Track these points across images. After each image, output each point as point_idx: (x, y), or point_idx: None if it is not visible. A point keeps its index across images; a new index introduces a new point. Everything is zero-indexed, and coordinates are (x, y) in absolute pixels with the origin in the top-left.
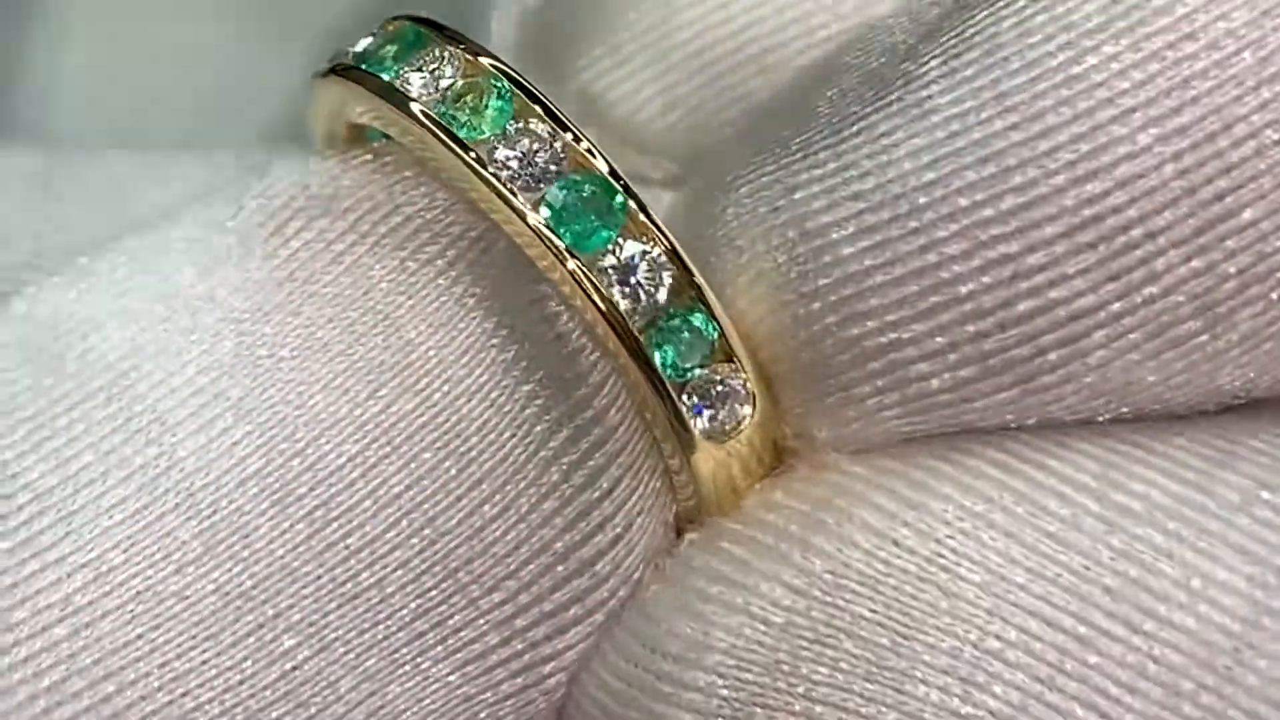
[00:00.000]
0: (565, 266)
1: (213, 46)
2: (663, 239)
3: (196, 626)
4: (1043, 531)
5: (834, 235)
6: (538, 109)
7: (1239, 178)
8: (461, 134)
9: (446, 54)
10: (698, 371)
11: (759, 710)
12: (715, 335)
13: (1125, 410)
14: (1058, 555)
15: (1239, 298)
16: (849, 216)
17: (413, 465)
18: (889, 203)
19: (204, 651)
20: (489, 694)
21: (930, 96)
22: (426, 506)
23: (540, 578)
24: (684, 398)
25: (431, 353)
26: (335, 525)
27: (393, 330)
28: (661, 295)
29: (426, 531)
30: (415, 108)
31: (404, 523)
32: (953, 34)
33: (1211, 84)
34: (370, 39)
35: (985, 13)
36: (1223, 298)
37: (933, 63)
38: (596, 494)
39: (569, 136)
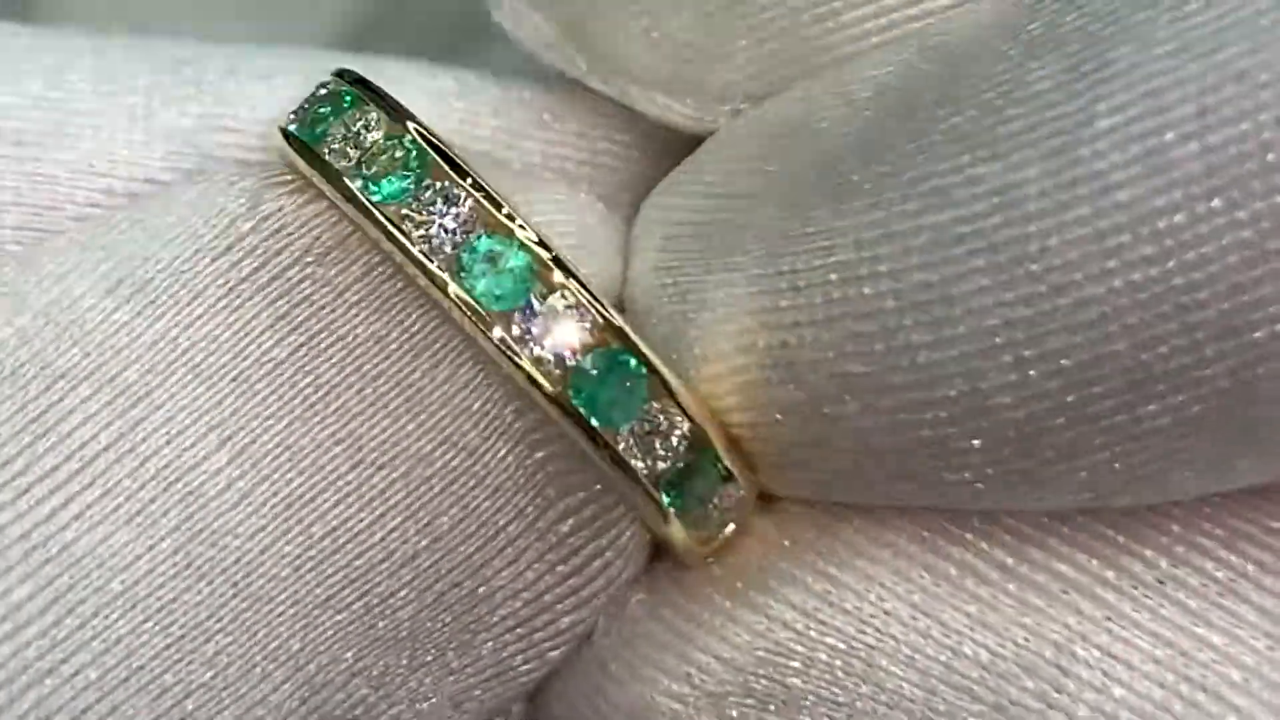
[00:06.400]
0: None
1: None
2: (594, 310)
3: (224, 692)
4: (961, 612)
5: (824, 335)
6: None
7: None
8: (375, 197)
9: (372, 115)
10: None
11: None
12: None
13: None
14: (974, 635)
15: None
16: (839, 305)
17: (429, 527)
18: (880, 298)
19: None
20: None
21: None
22: (442, 564)
23: (537, 613)
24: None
25: (447, 420)
26: (354, 586)
27: (408, 393)
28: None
29: (437, 585)
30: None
31: (417, 580)
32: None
33: None
34: (309, 103)
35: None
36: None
37: (924, 157)
38: (593, 541)
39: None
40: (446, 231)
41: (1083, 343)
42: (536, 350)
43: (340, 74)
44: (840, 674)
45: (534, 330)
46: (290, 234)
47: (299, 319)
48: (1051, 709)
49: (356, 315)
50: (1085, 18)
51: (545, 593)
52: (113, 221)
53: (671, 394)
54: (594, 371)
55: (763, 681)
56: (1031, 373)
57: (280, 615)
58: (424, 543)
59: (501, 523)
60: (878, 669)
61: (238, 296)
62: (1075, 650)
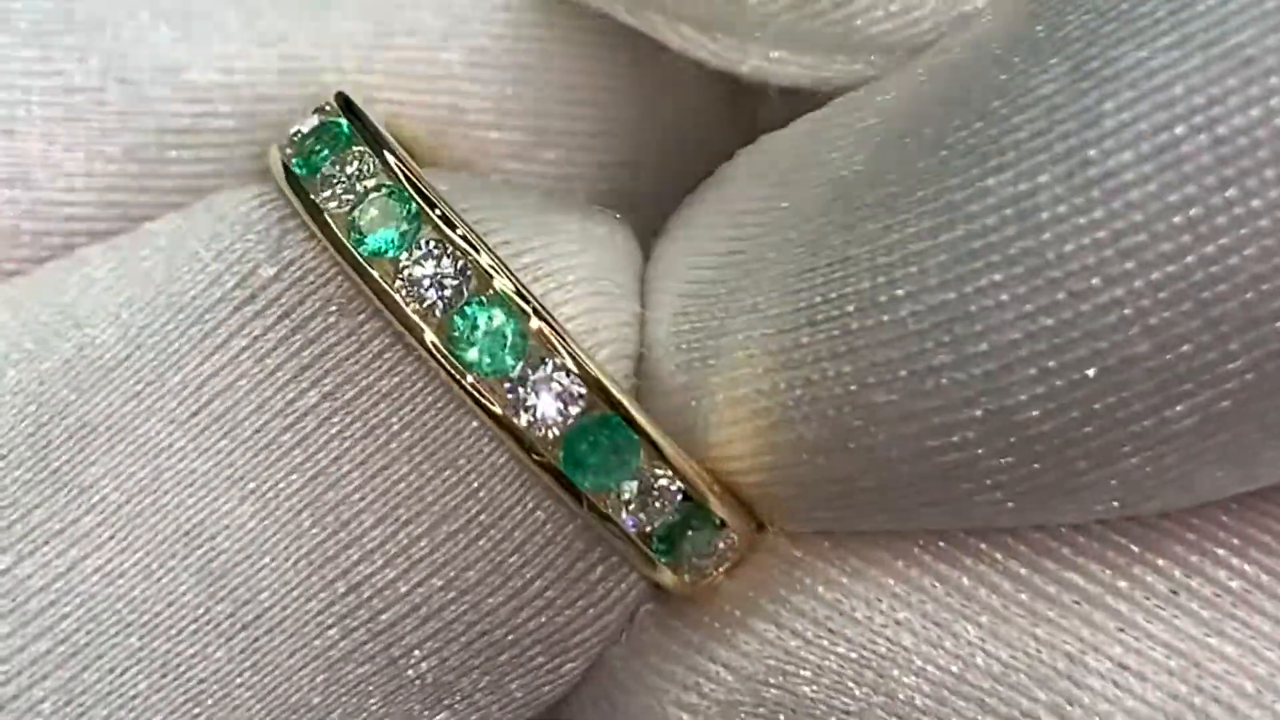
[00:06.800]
0: (464, 380)
1: None
2: (587, 375)
3: None
4: (973, 623)
5: (846, 368)
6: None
7: None
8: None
9: (365, 159)
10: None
11: None
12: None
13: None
14: (986, 645)
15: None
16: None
17: (456, 581)
18: (900, 338)
19: None
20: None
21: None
22: (469, 616)
23: (567, 650)
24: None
25: (474, 474)
26: (379, 640)
27: (433, 446)
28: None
29: (464, 637)
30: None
31: (444, 632)
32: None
33: None
34: (309, 133)
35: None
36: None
37: (934, 174)
38: (623, 581)
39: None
40: (438, 292)
41: (1107, 348)
42: (527, 417)
43: (336, 97)
44: (851, 683)
45: (525, 397)
46: (312, 283)
47: (323, 370)
48: None
49: (380, 366)
50: (1088, 15)
51: (576, 633)
52: (125, 253)
53: (662, 455)
54: (585, 436)
55: (773, 690)
56: (1057, 383)
57: (302, 670)
58: (450, 596)
59: (529, 575)
60: (889, 679)
61: (261, 347)
62: (1088, 661)
